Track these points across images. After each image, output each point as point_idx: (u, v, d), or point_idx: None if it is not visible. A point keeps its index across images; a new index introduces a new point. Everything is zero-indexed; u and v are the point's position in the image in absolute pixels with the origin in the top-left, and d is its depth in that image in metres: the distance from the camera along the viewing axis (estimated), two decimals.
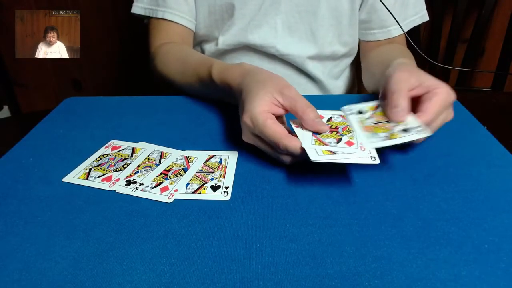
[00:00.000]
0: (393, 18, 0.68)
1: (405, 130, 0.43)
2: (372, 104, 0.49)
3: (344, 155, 0.40)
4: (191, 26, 0.75)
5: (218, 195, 0.41)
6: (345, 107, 0.49)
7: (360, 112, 0.48)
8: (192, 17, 0.75)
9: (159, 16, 0.73)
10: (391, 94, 0.45)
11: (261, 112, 0.43)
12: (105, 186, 0.42)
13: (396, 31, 0.74)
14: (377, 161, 0.40)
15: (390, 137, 0.42)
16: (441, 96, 0.44)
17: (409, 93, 0.45)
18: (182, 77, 0.64)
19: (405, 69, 0.48)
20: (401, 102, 0.44)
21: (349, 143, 0.43)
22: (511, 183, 0.42)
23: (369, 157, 0.40)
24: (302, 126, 0.44)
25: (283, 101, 0.44)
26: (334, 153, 0.41)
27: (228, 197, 0.40)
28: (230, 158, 0.47)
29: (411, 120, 0.44)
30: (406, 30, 0.72)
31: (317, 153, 0.40)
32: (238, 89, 0.48)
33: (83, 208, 0.39)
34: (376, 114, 0.47)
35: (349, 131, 0.45)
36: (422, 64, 1.20)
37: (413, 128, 0.43)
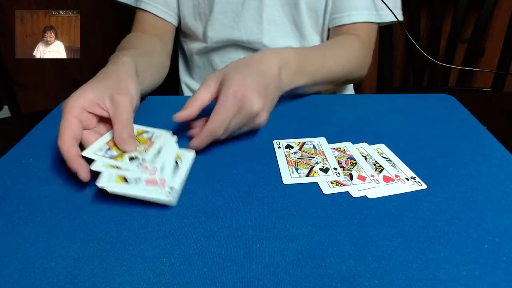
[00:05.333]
0: (350, 6, 0.67)
1: (323, 169, 0.44)
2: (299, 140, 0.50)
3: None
4: (168, 18, 0.74)
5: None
6: (275, 141, 0.50)
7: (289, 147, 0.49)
8: (169, 9, 0.74)
9: (132, 4, 0.74)
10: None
11: (74, 105, 0.42)
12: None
13: (347, 18, 0.70)
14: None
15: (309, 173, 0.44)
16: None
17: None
18: None
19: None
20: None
21: (361, 178, 0.43)
22: (511, 183, 0.42)
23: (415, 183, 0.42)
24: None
25: (109, 107, 0.43)
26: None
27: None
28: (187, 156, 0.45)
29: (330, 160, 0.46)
30: (350, 21, 0.69)
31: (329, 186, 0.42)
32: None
33: (83, 208, 0.39)
34: (302, 150, 0.48)
35: (352, 164, 0.45)
36: (423, 63, 1.21)
37: (331, 169, 0.44)
